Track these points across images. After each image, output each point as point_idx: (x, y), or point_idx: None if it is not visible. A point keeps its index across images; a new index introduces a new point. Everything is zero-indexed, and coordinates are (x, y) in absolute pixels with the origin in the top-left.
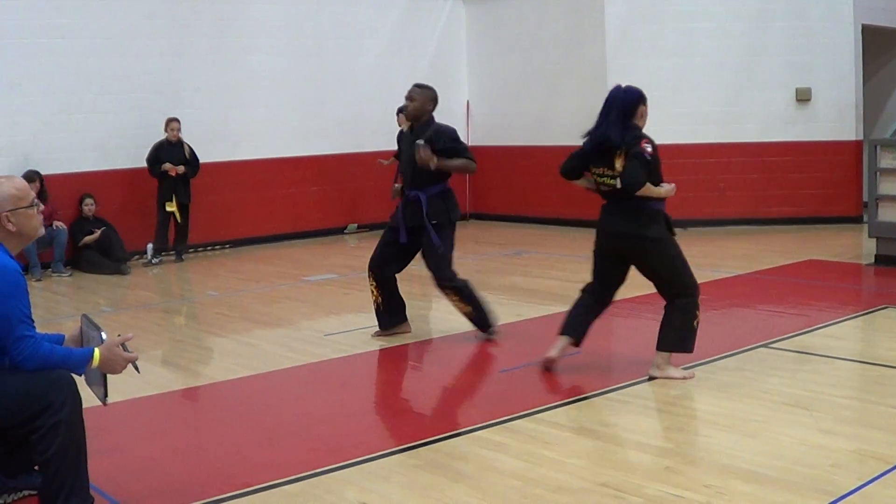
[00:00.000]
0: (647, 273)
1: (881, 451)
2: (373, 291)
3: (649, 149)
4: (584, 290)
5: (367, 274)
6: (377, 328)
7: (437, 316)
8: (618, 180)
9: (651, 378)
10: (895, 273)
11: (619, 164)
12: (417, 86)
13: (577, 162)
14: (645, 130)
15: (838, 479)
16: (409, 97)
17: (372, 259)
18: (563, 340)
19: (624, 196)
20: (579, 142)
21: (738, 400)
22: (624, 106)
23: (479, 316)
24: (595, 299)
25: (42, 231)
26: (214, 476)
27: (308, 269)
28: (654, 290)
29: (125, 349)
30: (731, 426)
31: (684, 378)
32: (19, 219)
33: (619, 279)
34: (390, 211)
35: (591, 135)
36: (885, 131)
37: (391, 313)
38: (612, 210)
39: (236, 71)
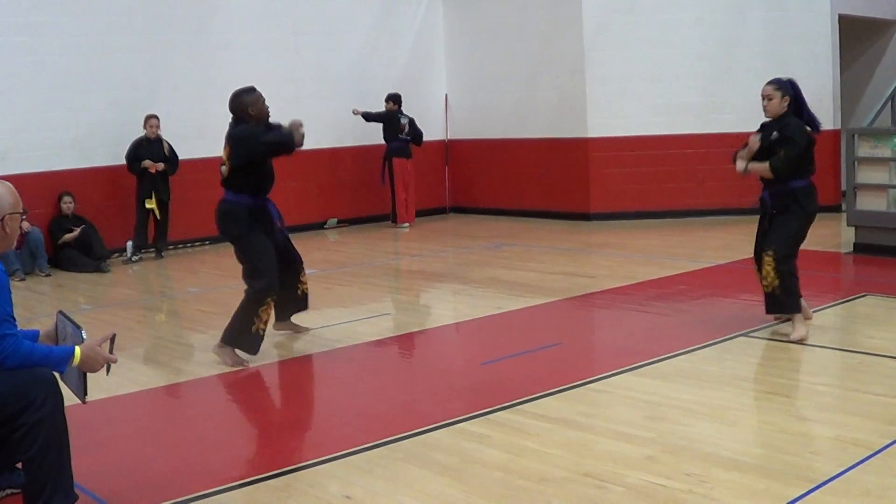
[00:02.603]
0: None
1: (861, 437)
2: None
3: None
4: None
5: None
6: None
7: (418, 309)
8: None
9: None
10: (874, 261)
11: None
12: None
13: None
14: (626, 122)
15: (819, 466)
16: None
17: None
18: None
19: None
20: (559, 134)
21: (718, 389)
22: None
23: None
24: None
25: (14, 244)
26: (198, 472)
27: None
28: (631, 281)
29: (111, 347)
30: (712, 415)
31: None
32: (12, 225)
33: None
34: (370, 205)
35: None
36: (863, 121)
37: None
38: None
39: (214, 67)
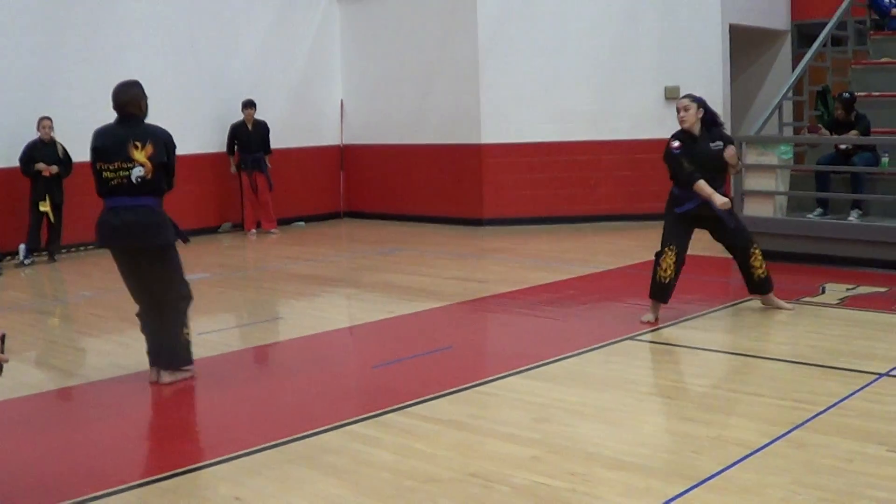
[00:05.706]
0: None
1: (741, 436)
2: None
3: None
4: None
5: None
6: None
7: (311, 313)
8: None
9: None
10: None
11: None
12: None
13: None
14: (520, 129)
15: (700, 464)
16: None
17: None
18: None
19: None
20: (453, 139)
21: (603, 391)
22: None
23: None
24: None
25: None
26: (89, 474)
27: None
28: (522, 286)
29: (3, 347)
30: (597, 416)
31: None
32: None
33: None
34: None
35: None
36: (752, 129)
37: None
38: None
39: (109, 68)
